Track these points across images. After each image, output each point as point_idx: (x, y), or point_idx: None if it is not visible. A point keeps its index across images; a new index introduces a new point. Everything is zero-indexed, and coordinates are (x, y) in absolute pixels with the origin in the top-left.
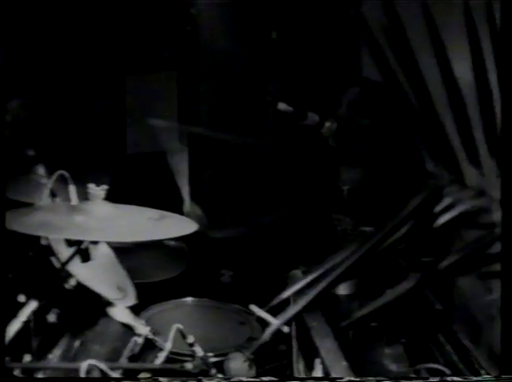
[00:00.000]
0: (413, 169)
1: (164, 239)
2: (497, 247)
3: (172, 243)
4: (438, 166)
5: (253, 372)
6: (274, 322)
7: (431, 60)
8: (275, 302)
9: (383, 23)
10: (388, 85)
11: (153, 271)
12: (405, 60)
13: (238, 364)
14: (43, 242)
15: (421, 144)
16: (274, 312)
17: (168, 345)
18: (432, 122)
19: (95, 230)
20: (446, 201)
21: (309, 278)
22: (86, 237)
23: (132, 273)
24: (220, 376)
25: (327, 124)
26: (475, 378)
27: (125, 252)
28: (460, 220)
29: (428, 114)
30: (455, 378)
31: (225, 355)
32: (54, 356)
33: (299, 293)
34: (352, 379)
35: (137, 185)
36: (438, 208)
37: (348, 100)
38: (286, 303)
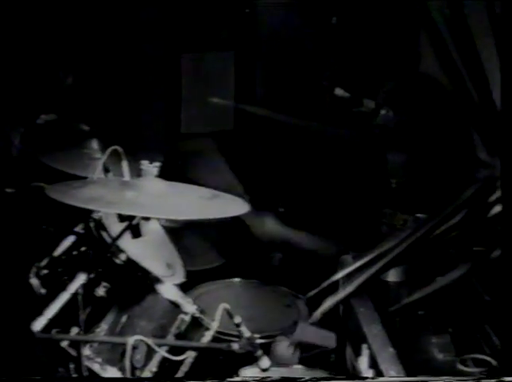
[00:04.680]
0: (467, 160)
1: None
2: None
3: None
4: (493, 157)
5: (296, 356)
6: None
7: (491, 51)
8: (325, 284)
9: (445, 14)
10: (445, 77)
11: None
12: (466, 52)
13: (282, 348)
14: (95, 216)
15: (477, 134)
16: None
17: (214, 324)
18: (490, 112)
19: (147, 206)
20: (500, 192)
21: (359, 262)
22: (137, 213)
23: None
24: (266, 357)
25: (383, 112)
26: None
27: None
28: None
29: (486, 105)
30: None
31: (271, 337)
32: (101, 330)
33: (349, 277)
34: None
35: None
36: (492, 199)
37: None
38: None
